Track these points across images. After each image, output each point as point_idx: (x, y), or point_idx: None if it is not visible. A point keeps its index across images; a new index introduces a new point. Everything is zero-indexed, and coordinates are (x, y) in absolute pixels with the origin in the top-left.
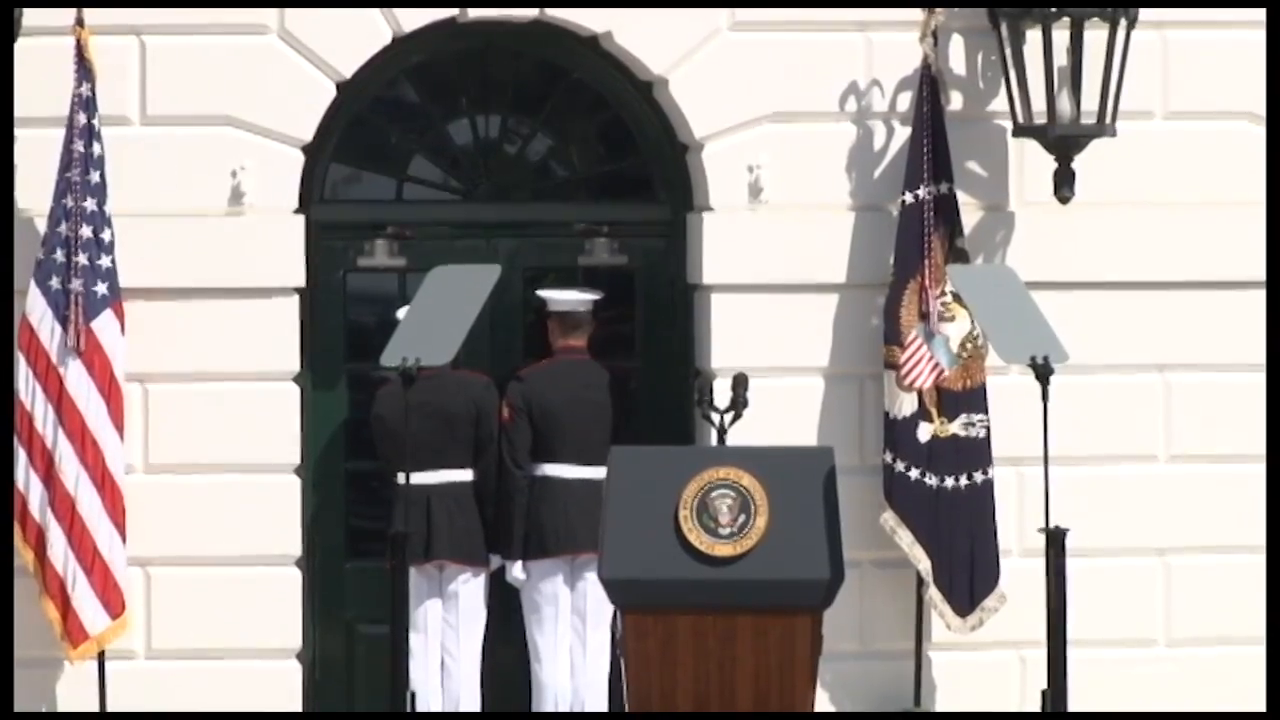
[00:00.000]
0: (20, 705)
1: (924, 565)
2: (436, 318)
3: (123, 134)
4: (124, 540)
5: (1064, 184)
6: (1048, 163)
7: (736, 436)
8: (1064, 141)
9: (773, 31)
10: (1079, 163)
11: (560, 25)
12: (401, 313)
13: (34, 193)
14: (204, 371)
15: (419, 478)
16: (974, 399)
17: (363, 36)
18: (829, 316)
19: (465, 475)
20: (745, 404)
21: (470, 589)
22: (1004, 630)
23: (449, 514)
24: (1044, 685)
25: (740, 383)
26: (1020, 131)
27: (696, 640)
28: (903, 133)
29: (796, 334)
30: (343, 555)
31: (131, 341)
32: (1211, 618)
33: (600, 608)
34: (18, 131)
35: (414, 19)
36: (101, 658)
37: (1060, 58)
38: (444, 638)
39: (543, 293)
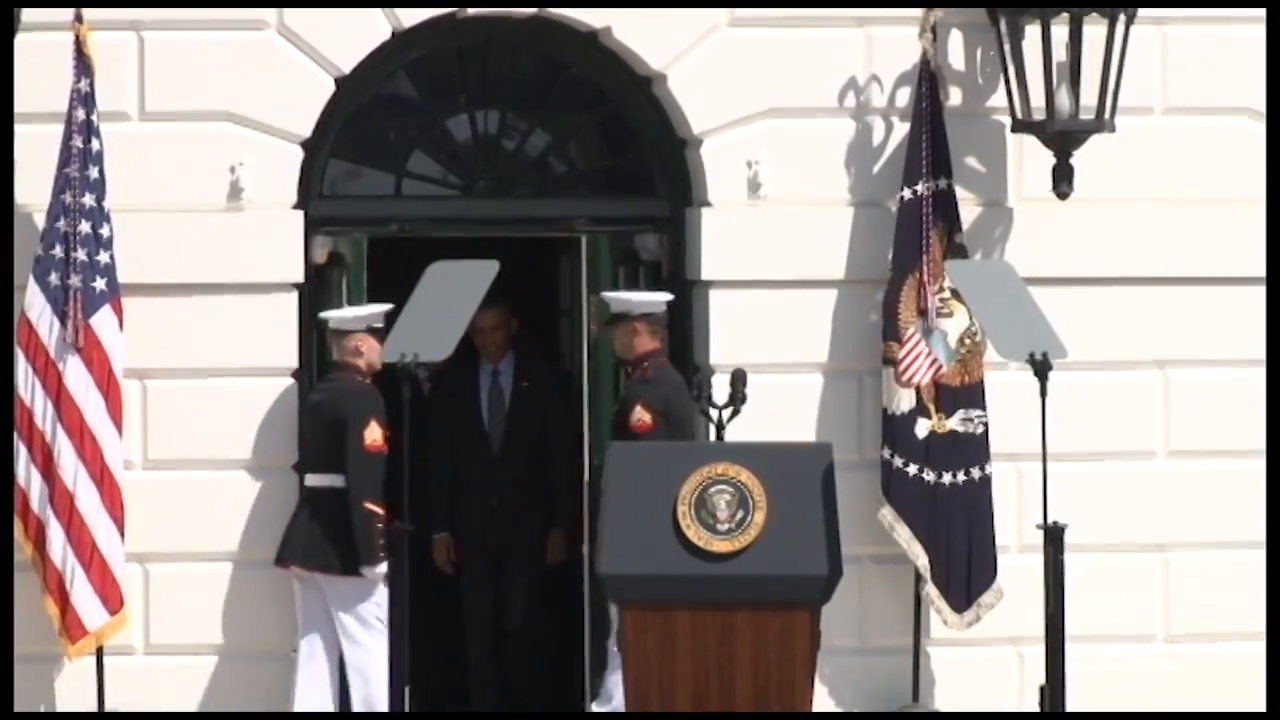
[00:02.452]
0: (19, 701)
1: (922, 561)
2: (434, 313)
3: (121, 129)
4: (122, 536)
5: (1063, 179)
6: (1046, 158)
7: (735, 432)
8: (1063, 137)
9: (771, 27)
10: (1078, 158)
11: (559, 21)
12: (332, 314)
13: (33, 188)
14: (202, 367)
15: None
16: (972, 395)
17: (362, 32)
18: (827, 312)
19: (338, 481)
20: (743, 400)
21: (347, 600)
22: (1002, 626)
23: (309, 519)
24: (1042, 681)
25: (738, 378)
26: (1019, 127)
27: (695, 636)
28: (901, 128)
29: (795, 329)
30: None
31: (130, 337)
32: (1211, 613)
33: None
34: (17, 127)
35: (413, 14)
36: (100, 654)
37: (1059, 53)
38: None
39: (626, 295)
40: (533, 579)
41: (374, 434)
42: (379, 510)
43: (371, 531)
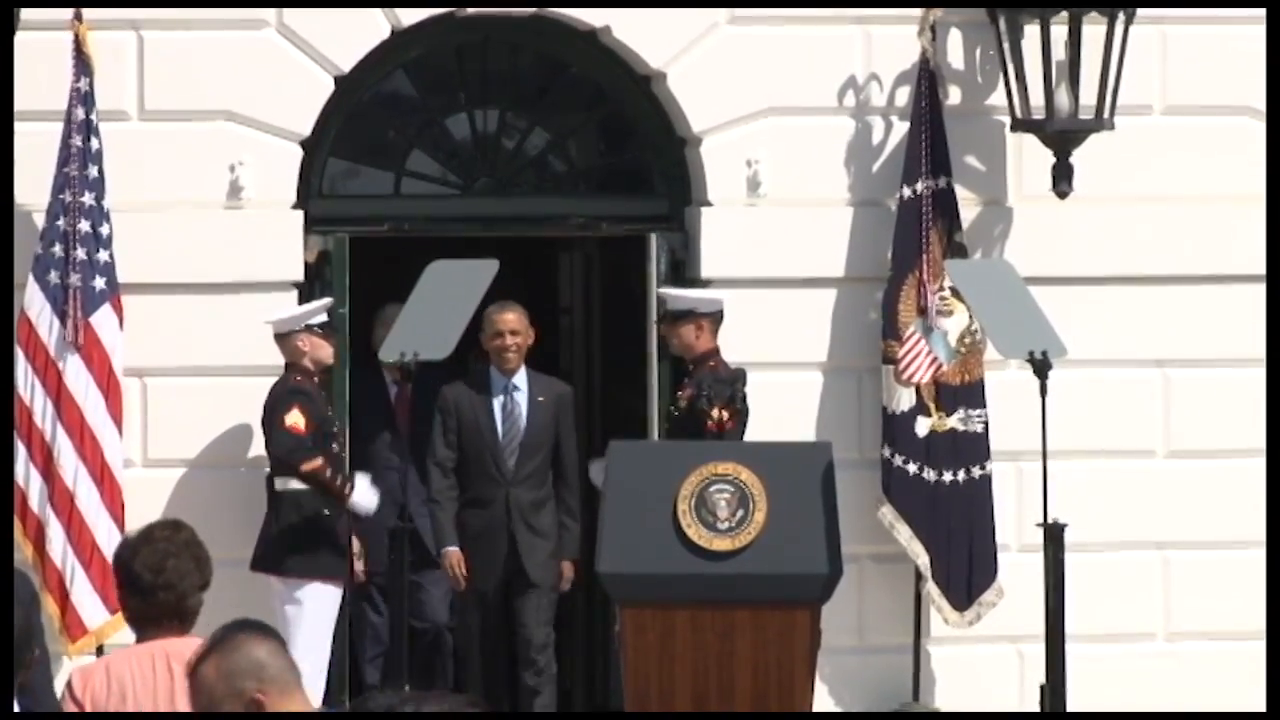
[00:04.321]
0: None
1: (922, 560)
2: (434, 312)
3: (121, 128)
4: (123, 535)
5: (1062, 179)
6: (1046, 157)
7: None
8: (1062, 136)
9: (771, 26)
10: (1077, 157)
11: (559, 19)
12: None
13: (32, 187)
14: (202, 366)
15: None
16: (972, 394)
17: (361, 31)
18: (827, 311)
19: (282, 484)
20: (743, 399)
21: (277, 600)
22: (1002, 625)
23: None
24: (1042, 680)
25: (738, 378)
26: (1018, 126)
27: (695, 635)
28: (901, 127)
29: (795, 328)
30: None
31: (130, 336)
32: (1210, 612)
33: None
34: (16, 126)
35: (412, 13)
36: (100, 652)
37: (1059, 52)
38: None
39: (690, 293)
40: (546, 603)
41: (294, 418)
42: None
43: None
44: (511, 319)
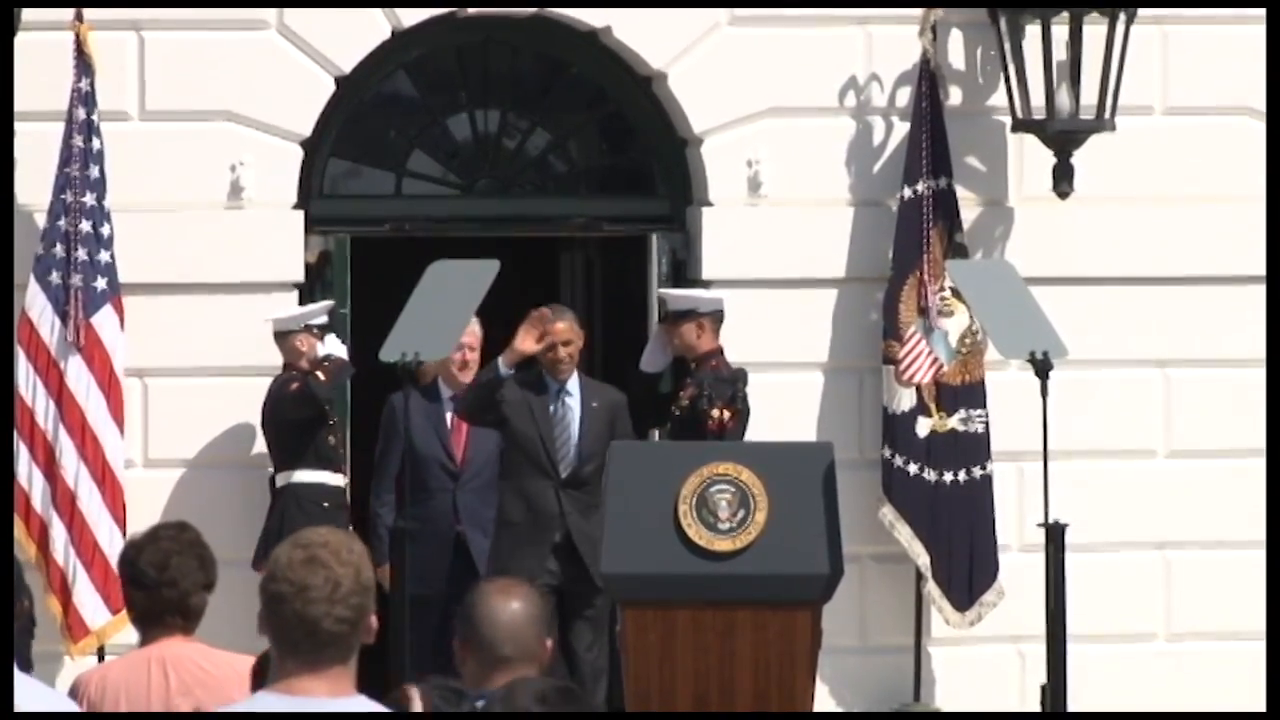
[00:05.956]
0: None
1: (923, 560)
2: (435, 312)
3: (122, 129)
4: (124, 535)
5: (1063, 179)
6: (1047, 158)
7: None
8: (1063, 136)
9: (772, 26)
10: (1078, 158)
11: (559, 20)
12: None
13: (33, 188)
14: (203, 366)
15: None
16: (973, 394)
17: (362, 31)
18: (828, 311)
19: (284, 478)
20: (744, 399)
21: None
22: (1003, 625)
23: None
24: (1043, 680)
25: (739, 377)
26: (1019, 126)
27: (696, 635)
28: (902, 128)
29: (795, 329)
30: None
31: (131, 336)
32: (1211, 613)
33: None
34: (17, 126)
35: (413, 14)
36: (102, 653)
37: (1059, 52)
38: None
39: (690, 293)
40: (599, 610)
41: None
42: None
43: None
44: (563, 328)
